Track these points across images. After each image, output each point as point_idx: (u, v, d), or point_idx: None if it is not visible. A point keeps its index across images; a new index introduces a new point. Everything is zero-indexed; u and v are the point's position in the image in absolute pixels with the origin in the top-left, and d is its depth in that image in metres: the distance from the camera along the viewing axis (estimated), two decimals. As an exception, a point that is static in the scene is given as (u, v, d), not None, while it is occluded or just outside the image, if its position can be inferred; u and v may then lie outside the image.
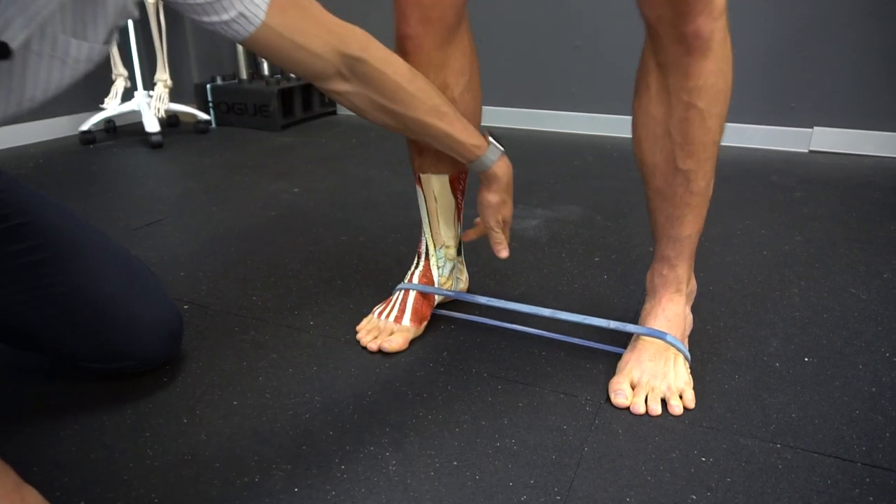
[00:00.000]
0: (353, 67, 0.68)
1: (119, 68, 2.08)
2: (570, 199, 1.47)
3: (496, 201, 0.81)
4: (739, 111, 1.96)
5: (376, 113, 0.73)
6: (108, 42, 0.55)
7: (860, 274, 1.08)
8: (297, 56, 0.65)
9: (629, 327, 0.80)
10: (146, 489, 0.61)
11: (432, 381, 0.78)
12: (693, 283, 0.84)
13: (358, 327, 0.88)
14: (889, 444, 0.66)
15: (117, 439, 0.68)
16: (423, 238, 0.90)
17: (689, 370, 0.76)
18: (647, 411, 0.70)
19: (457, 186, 0.86)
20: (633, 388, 0.73)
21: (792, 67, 1.89)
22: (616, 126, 2.15)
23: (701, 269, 1.09)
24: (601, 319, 0.82)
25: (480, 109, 0.84)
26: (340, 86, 0.70)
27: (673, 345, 0.76)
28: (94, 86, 2.17)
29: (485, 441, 0.67)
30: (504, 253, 0.84)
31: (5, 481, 0.51)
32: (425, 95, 0.72)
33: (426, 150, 0.83)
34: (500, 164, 0.78)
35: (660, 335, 0.76)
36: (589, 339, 0.86)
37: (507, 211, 0.82)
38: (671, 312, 0.79)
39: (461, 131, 0.74)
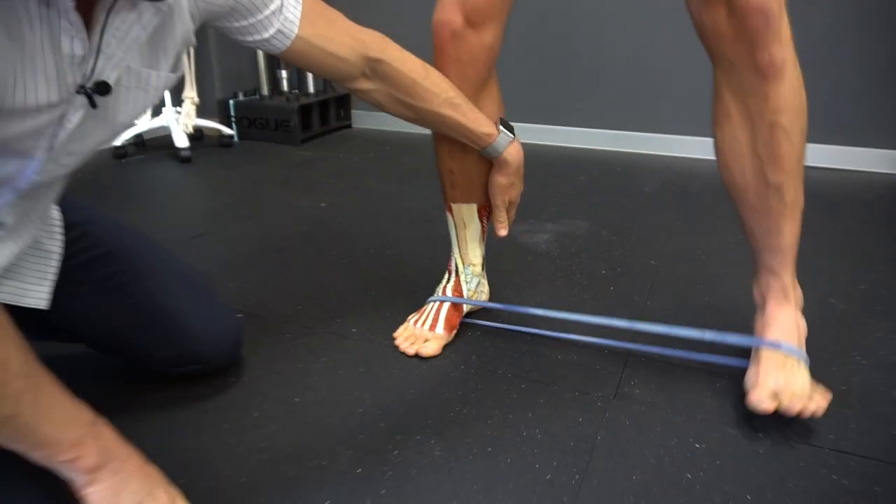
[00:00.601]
0: (375, 68, 0.80)
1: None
2: (577, 214, 1.59)
3: (505, 183, 0.91)
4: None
5: (396, 107, 0.84)
6: (174, 70, 0.66)
7: (841, 285, 1.20)
8: (327, 62, 0.77)
9: (755, 341, 0.85)
10: (233, 471, 0.73)
11: (465, 381, 0.90)
12: (798, 290, 0.88)
13: (395, 334, 1.00)
14: (853, 434, 0.78)
15: (199, 431, 0.80)
16: (453, 257, 1.03)
17: (808, 373, 0.81)
18: (794, 410, 0.76)
19: (483, 213, 0.99)
20: (766, 393, 0.77)
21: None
22: (618, 141, 2.27)
23: (697, 280, 1.22)
24: (694, 330, 0.89)
25: None
26: (364, 84, 0.82)
27: (792, 354, 0.82)
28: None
29: (513, 431, 0.79)
30: (503, 232, 0.94)
31: (136, 459, 0.63)
32: (439, 89, 0.83)
33: (458, 183, 0.95)
34: (510, 150, 0.89)
35: (783, 346, 0.82)
36: (605, 338, 0.98)
37: (515, 193, 0.93)
38: (783, 321, 0.85)
39: (473, 121, 0.85)
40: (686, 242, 1.41)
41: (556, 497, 0.69)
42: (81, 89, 0.55)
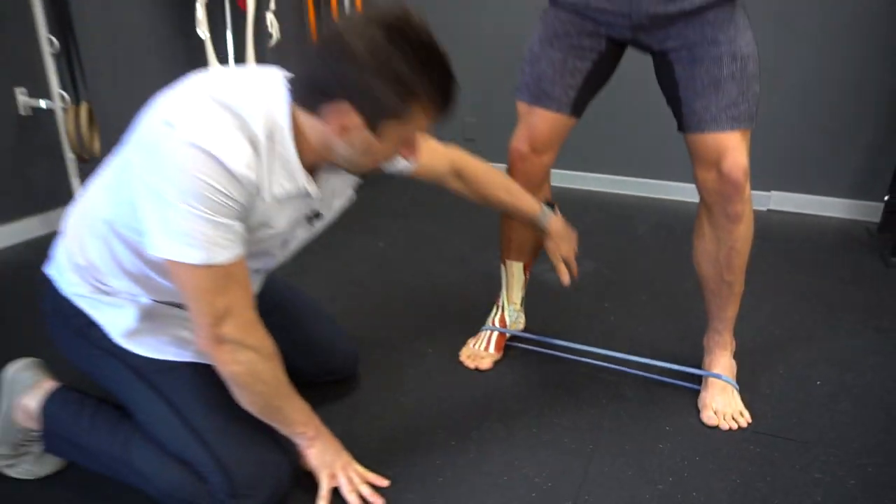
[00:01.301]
0: (458, 173, 1.20)
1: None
2: (585, 254, 2.01)
3: (552, 247, 1.27)
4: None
5: (471, 195, 1.23)
6: (349, 198, 1.06)
7: (778, 316, 1.62)
8: (431, 175, 1.17)
9: (700, 372, 1.29)
10: (382, 448, 1.14)
11: (513, 386, 1.32)
12: (733, 342, 1.31)
13: (460, 354, 1.42)
14: (769, 421, 1.20)
15: (346, 421, 1.21)
16: (502, 295, 1.45)
17: (739, 397, 1.23)
18: (725, 426, 1.18)
19: (527, 269, 1.41)
20: (714, 413, 1.20)
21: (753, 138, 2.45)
22: (616, 185, 2.69)
23: (674, 314, 1.64)
24: (676, 365, 1.32)
25: None
26: (452, 183, 1.22)
27: (729, 383, 1.25)
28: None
29: (548, 419, 1.21)
30: (565, 279, 1.28)
31: (331, 436, 1.04)
32: (499, 182, 1.22)
33: (513, 247, 1.37)
34: (552, 223, 1.26)
35: (723, 378, 1.25)
36: (607, 362, 1.40)
37: (565, 250, 1.27)
38: (724, 362, 1.28)
39: (523, 202, 1.24)
40: (668, 283, 1.84)
41: (575, 455, 1.10)
42: (307, 218, 0.98)
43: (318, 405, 1.24)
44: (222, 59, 2.53)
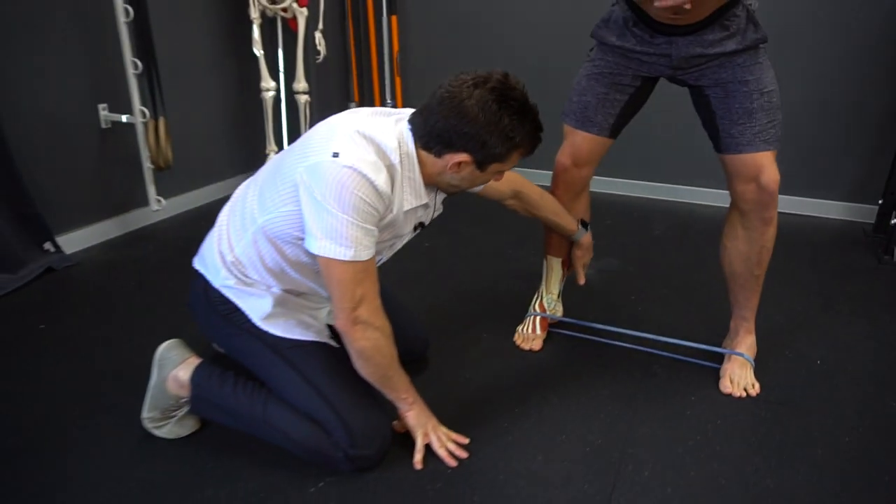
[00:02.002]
0: (516, 194, 1.45)
1: (271, 145, 2.85)
2: (610, 253, 2.24)
3: (580, 255, 1.57)
4: (708, 176, 2.75)
5: (523, 213, 1.48)
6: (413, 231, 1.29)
7: (783, 306, 1.86)
8: (496, 194, 1.41)
9: (725, 350, 1.52)
10: (456, 415, 1.37)
11: (559, 364, 1.56)
12: (754, 327, 1.53)
13: (514, 338, 1.66)
14: (775, 392, 1.44)
15: (422, 394, 1.43)
16: (542, 285, 1.69)
17: (752, 373, 1.47)
18: (737, 394, 1.41)
19: (564, 264, 1.65)
20: (731, 382, 1.44)
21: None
22: (634, 188, 2.93)
23: (693, 304, 1.87)
24: (704, 345, 1.55)
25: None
26: (510, 202, 1.46)
27: (748, 360, 1.48)
28: (243, 158, 2.96)
29: (592, 391, 1.45)
30: (581, 281, 1.59)
31: (424, 404, 1.27)
32: (549, 205, 1.49)
33: (554, 245, 1.61)
34: (584, 238, 1.55)
35: (743, 356, 1.48)
36: (637, 344, 1.63)
37: (586, 260, 1.58)
38: (748, 342, 1.51)
39: (566, 221, 1.51)
40: (686, 276, 2.07)
41: (617, 419, 1.34)
42: (415, 227, 1.22)
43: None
44: (274, 75, 2.76)
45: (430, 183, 1.15)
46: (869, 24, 2.41)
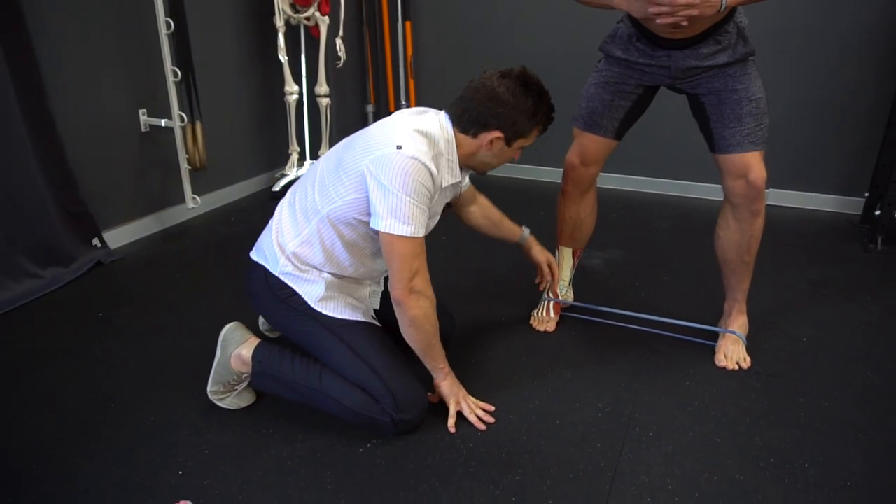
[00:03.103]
0: (475, 200, 1.63)
1: (294, 145, 3.03)
2: (616, 245, 2.42)
3: (535, 255, 1.70)
4: (705, 172, 2.92)
5: (480, 220, 1.65)
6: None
7: (775, 292, 2.03)
8: (467, 196, 1.59)
9: (719, 329, 1.69)
10: (482, 387, 1.55)
11: (571, 343, 1.73)
12: (745, 307, 1.70)
13: (530, 320, 1.83)
14: (765, 366, 1.61)
15: (460, 360, 1.62)
16: (556, 273, 1.87)
17: (745, 348, 1.64)
18: (730, 367, 1.59)
19: (576, 254, 1.83)
20: (725, 357, 1.62)
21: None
22: (637, 184, 3.10)
23: (692, 289, 2.05)
24: (701, 325, 1.72)
25: (594, 223, 1.79)
26: (472, 207, 1.64)
27: (739, 337, 1.66)
28: (268, 157, 3.13)
29: (601, 366, 1.62)
30: (549, 278, 1.72)
31: (453, 375, 1.45)
32: (496, 212, 1.66)
33: (565, 234, 1.78)
34: (528, 240, 1.70)
35: (735, 333, 1.65)
36: (641, 325, 1.81)
37: (546, 258, 1.70)
38: (740, 321, 1.68)
39: (511, 226, 1.68)
40: (685, 265, 2.25)
41: (625, 389, 1.52)
42: (447, 206, 1.40)
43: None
44: (297, 79, 2.93)
45: (465, 164, 1.38)
46: (855, 30, 2.58)
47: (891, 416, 1.45)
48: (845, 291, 2.06)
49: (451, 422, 1.40)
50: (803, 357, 1.68)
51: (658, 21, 1.30)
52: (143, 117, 2.42)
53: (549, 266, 1.72)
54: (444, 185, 1.34)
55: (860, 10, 2.55)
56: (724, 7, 1.28)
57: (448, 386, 1.42)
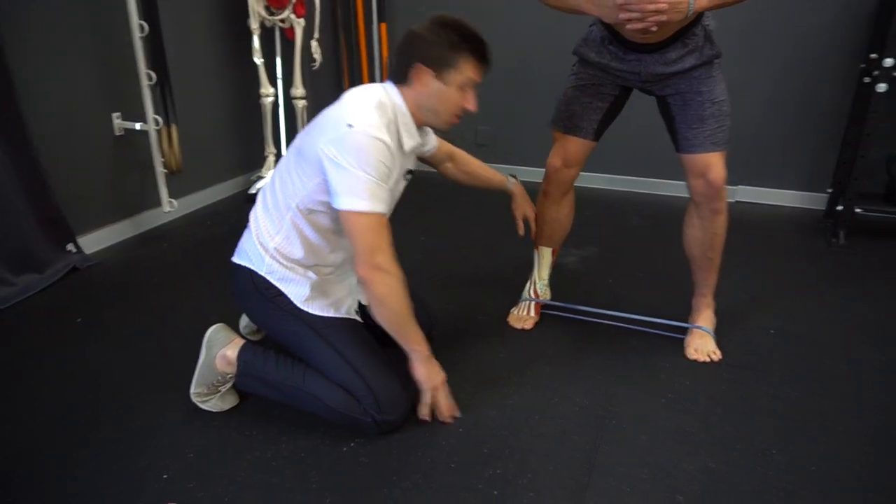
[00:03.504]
0: (451, 156, 1.67)
1: (270, 147, 3.02)
2: (590, 242, 2.47)
3: (516, 206, 1.72)
4: (677, 171, 2.99)
5: (457, 174, 1.69)
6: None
7: (744, 285, 2.10)
8: (441, 154, 1.63)
9: (687, 325, 1.75)
10: (463, 383, 1.58)
11: (549, 340, 1.77)
12: (714, 302, 1.75)
13: (508, 319, 1.87)
14: (734, 358, 1.67)
15: (441, 359, 1.65)
16: (534, 272, 1.90)
17: (714, 342, 1.70)
18: (701, 359, 1.65)
19: (555, 253, 1.87)
20: (695, 351, 1.67)
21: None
22: (611, 182, 3.16)
23: (664, 284, 2.11)
24: (672, 321, 1.78)
25: (571, 223, 1.83)
26: (448, 164, 1.68)
27: (707, 332, 1.72)
28: (244, 160, 3.13)
29: (578, 361, 1.67)
30: (521, 231, 1.74)
31: (434, 360, 1.46)
32: (476, 162, 1.70)
33: (544, 236, 1.82)
34: (514, 188, 1.72)
35: (703, 328, 1.72)
36: (616, 321, 1.86)
37: (526, 210, 1.72)
38: (707, 316, 1.74)
39: (494, 175, 1.71)
40: (658, 261, 2.31)
41: (601, 383, 1.57)
42: (407, 172, 1.43)
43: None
44: (272, 81, 2.93)
45: (419, 121, 1.39)
46: (815, 32, 2.67)
47: (854, 402, 1.52)
48: (810, 284, 2.14)
49: (425, 411, 1.41)
50: (770, 349, 1.75)
51: (628, 27, 1.35)
52: (117, 121, 2.40)
53: (526, 219, 1.75)
54: (406, 150, 1.37)
55: (819, 13, 2.65)
56: (691, 13, 1.33)
57: (424, 372, 1.40)
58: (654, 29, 1.34)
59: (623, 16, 1.32)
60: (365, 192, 1.25)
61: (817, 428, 1.43)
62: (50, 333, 1.81)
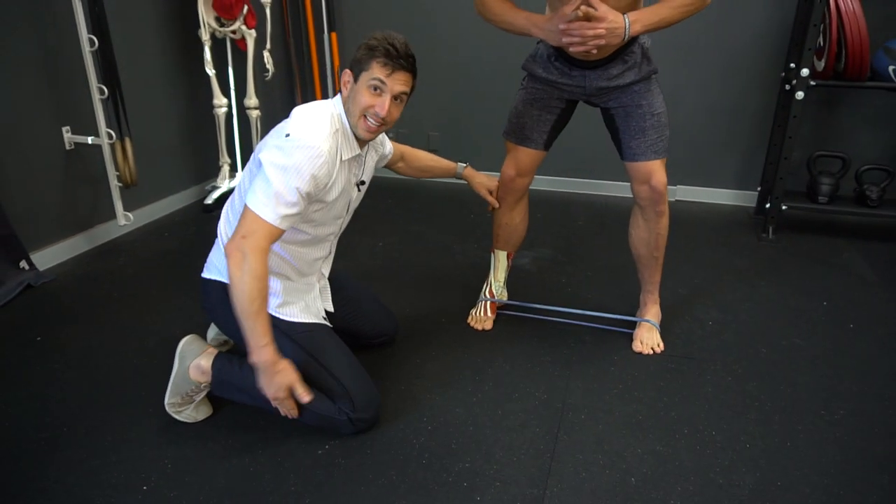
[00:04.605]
0: (402, 156, 1.78)
1: (225, 157, 3.03)
2: (542, 244, 2.60)
3: (476, 185, 1.86)
4: (621, 173, 3.16)
5: (410, 171, 1.82)
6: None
7: (686, 279, 2.26)
8: (395, 155, 1.75)
9: (634, 318, 1.88)
10: (426, 384, 1.67)
11: (508, 338, 1.88)
12: (657, 297, 1.90)
13: (468, 320, 1.96)
14: (678, 349, 1.82)
15: (396, 368, 1.72)
16: (491, 273, 2.00)
17: (659, 334, 1.84)
18: (646, 352, 1.79)
19: (510, 257, 1.97)
20: (641, 343, 1.80)
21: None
22: (556, 184, 3.31)
23: (612, 282, 2.25)
24: (621, 316, 1.91)
25: (526, 227, 1.94)
26: (400, 164, 1.80)
27: (653, 325, 1.85)
28: (198, 170, 3.12)
29: (536, 358, 1.78)
30: (494, 203, 1.87)
31: (272, 353, 1.49)
32: (425, 155, 1.83)
33: (501, 239, 1.92)
34: (466, 172, 1.85)
35: (649, 322, 1.85)
36: (568, 318, 1.98)
37: (487, 184, 1.86)
38: (653, 311, 1.87)
39: (445, 164, 1.84)
40: (606, 259, 2.45)
41: (558, 378, 1.68)
42: (357, 183, 1.50)
43: (374, 362, 1.77)
44: (225, 92, 2.94)
45: (354, 129, 1.42)
46: (743, 45, 2.88)
47: (784, 385, 1.68)
48: (744, 277, 2.32)
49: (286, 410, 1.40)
50: (709, 339, 1.90)
51: (571, 50, 1.47)
52: (68, 135, 2.37)
53: (490, 193, 1.88)
54: (343, 157, 1.42)
55: (747, 26, 2.85)
56: (627, 37, 1.45)
57: (264, 381, 1.34)
58: (595, 51, 1.47)
59: (566, 40, 1.44)
60: (276, 204, 1.29)
61: (751, 410, 1.58)
62: (8, 354, 1.79)
